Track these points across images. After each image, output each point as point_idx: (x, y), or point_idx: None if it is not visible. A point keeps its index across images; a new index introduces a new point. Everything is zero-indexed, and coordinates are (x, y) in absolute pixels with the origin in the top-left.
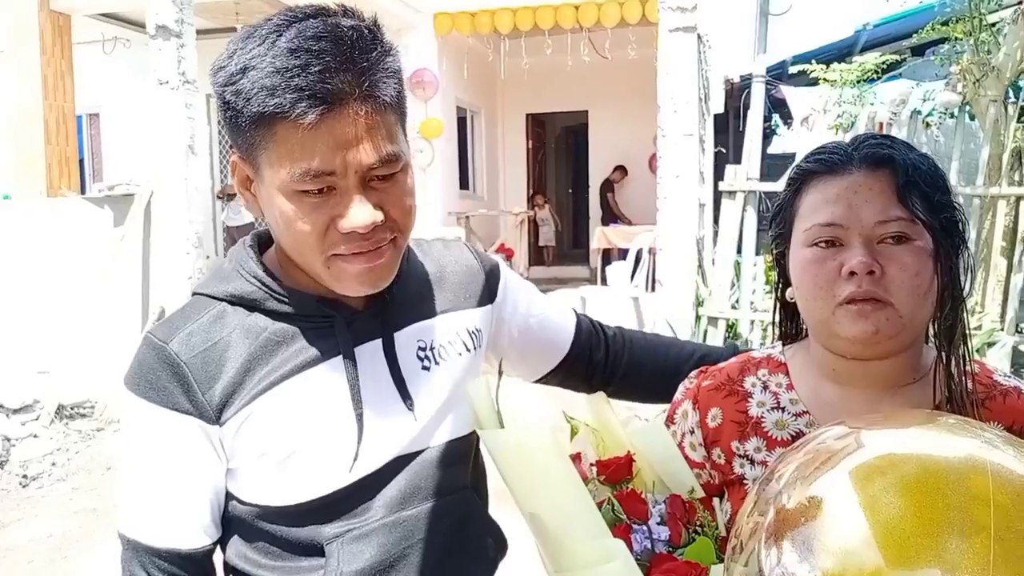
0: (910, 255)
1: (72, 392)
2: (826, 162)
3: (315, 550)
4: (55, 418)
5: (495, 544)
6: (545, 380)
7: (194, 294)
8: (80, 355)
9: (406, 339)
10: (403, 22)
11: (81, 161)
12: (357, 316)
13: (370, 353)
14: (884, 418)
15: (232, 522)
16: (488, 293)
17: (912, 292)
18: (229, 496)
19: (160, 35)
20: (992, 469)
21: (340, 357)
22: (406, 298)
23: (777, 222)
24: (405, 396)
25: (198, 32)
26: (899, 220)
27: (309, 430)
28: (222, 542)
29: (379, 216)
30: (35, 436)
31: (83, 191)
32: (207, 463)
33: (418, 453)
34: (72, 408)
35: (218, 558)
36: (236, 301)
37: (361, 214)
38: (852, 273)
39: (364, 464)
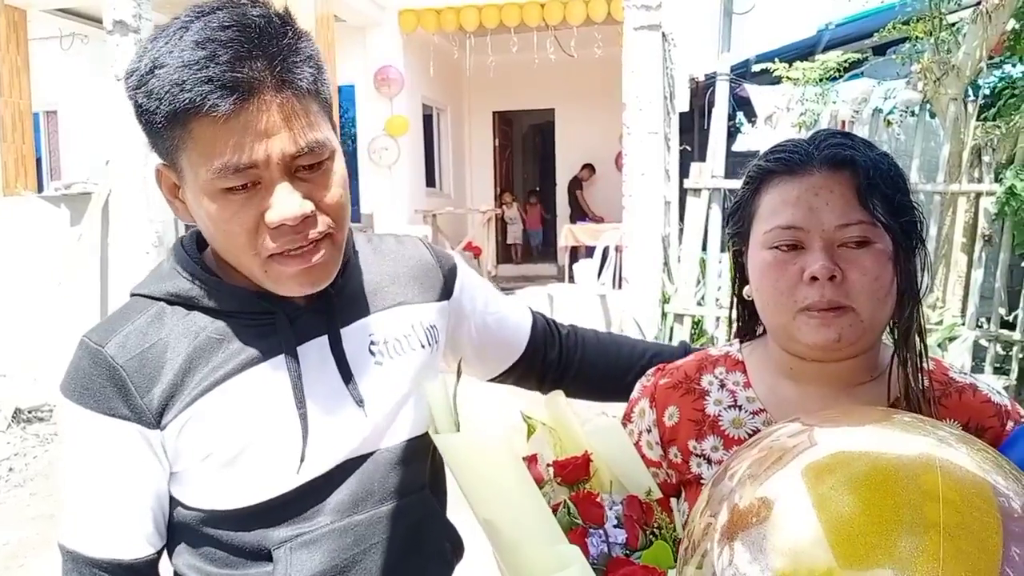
0: (871, 259)
1: (29, 396)
2: (786, 161)
3: (263, 556)
4: (12, 423)
5: (452, 547)
6: (500, 379)
7: (132, 295)
8: (37, 358)
9: (355, 334)
10: (368, 19)
11: (39, 159)
12: (301, 312)
13: (316, 350)
14: (839, 415)
15: (178, 529)
16: (444, 289)
17: (873, 296)
18: (174, 502)
19: (117, 30)
20: (943, 467)
21: (282, 355)
22: (355, 293)
23: (735, 220)
24: (354, 393)
25: (157, 27)
26: (860, 224)
27: (253, 431)
28: (169, 550)
29: (308, 206)
30: None
31: (40, 190)
32: (148, 469)
33: (370, 454)
34: (29, 412)
35: (168, 568)
36: (174, 300)
37: (288, 204)
38: (813, 278)
39: (312, 466)
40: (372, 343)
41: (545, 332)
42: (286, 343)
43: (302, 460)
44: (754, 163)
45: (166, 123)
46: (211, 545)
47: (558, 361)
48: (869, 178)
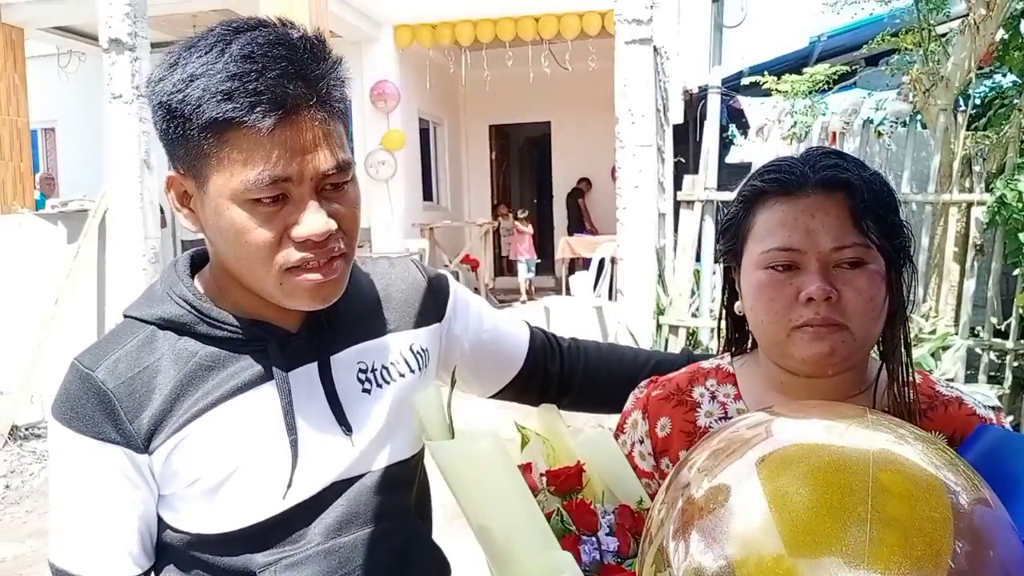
0: (865, 279)
1: (26, 413)
2: (782, 182)
3: None
4: (8, 440)
5: (438, 569)
6: (500, 395)
7: (124, 316)
8: (34, 375)
9: (345, 361)
10: (363, 34)
11: (35, 177)
12: (292, 339)
13: (305, 377)
14: (811, 407)
15: (165, 551)
16: (436, 311)
17: (867, 315)
18: (162, 524)
19: (113, 49)
20: (895, 461)
21: (273, 381)
22: (346, 319)
23: (727, 238)
24: (342, 421)
25: (152, 45)
26: (855, 246)
27: (241, 456)
28: (156, 571)
29: (333, 224)
30: None
31: (39, 207)
32: (135, 492)
33: (357, 478)
34: (26, 429)
35: None
36: (166, 325)
37: (316, 221)
38: (809, 298)
39: (298, 491)
40: (360, 371)
41: (544, 346)
42: (278, 370)
43: (289, 486)
44: (747, 182)
45: (201, 130)
46: (198, 567)
47: (560, 375)
48: (864, 200)
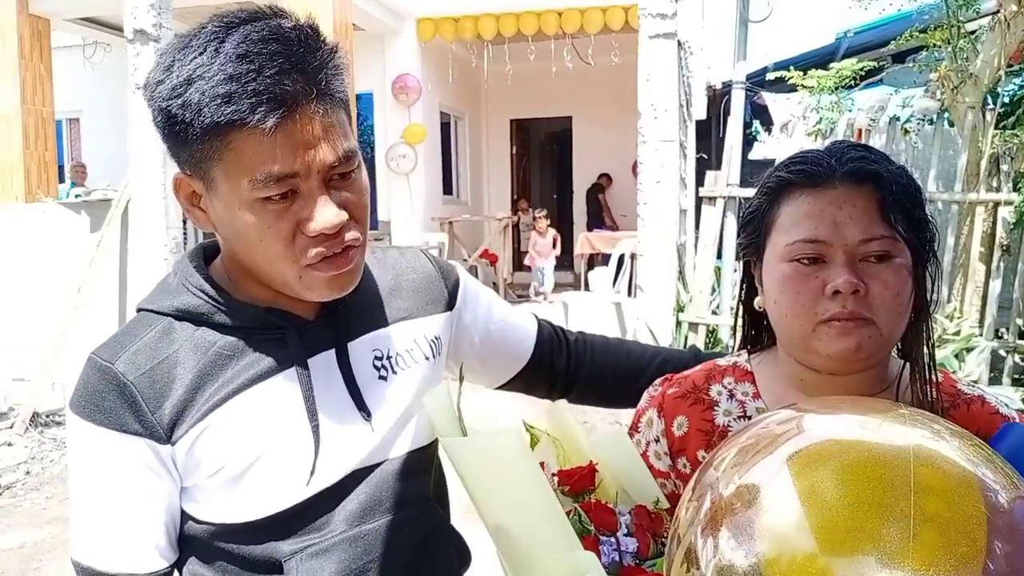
0: (892, 273)
1: (48, 400)
2: (809, 174)
3: (274, 567)
4: (30, 426)
5: (459, 556)
6: (507, 387)
7: (139, 310)
8: (56, 363)
9: (361, 348)
10: (386, 27)
11: (61, 167)
12: (309, 326)
13: (323, 364)
14: (838, 402)
15: (189, 542)
16: (447, 299)
17: (894, 310)
18: (185, 516)
19: (138, 39)
20: (931, 458)
21: (293, 369)
22: (360, 307)
23: (749, 231)
24: (361, 407)
25: (178, 36)
26: (883, 238)
27: (264, 444)
28: (180, 563)
29: (344, 215)
30: (9, 444)
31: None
32: (159, 484)
33: (377, 465)
34: (47, 416)
35: None
36: (183, 316)
37: (327, 214)
38: (836, 292)
39: (322, 478)
40: (376, 357)
41: (552, 339)
42: (297, 357)
43: (312, 472)
44: (772, 174)
45: (202, 134)
46: (222, 558)
47: (566, 368)
48: (892, 193)
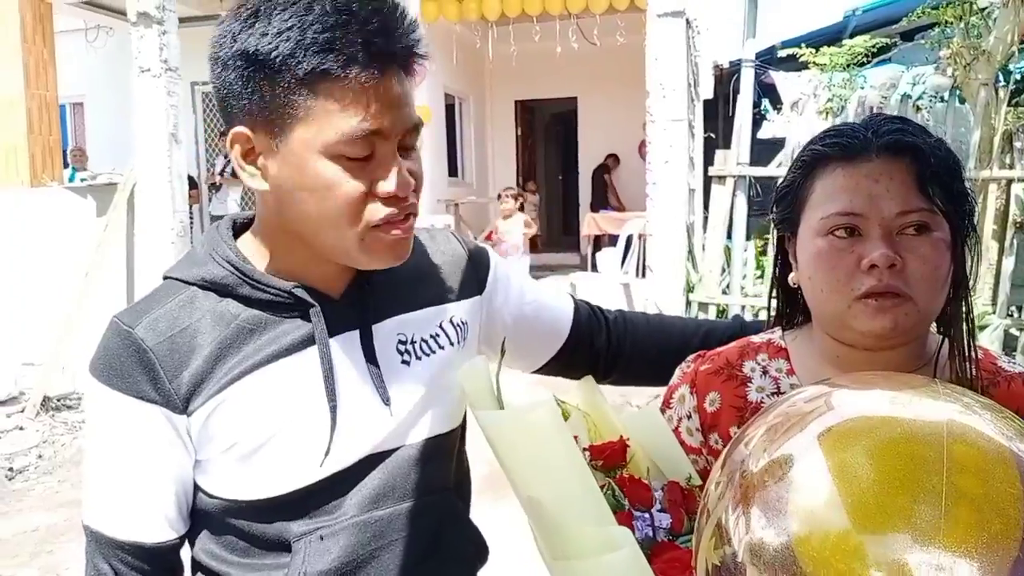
0: (930, 247)
1: (58, 384)
2: (845, 147)
3: (282, 547)
4: (41, 410)
5: (475, 550)
6: (545, 369)
7: (165, 278)
8: (65, 347)
9: (386, 332)
10: None
11: (65, 151)
12: (335, 305)
13: (347, 344)
14: (872, 377)
15: (199, 517)
16: (476, 284)
17: (931, 285)
18: (197, 489)
19: (141, 22)
20: (965, 434)
21: (315, 347)
22: (388, 289)
23: (783, 206)
24: (381, 390)
25: (180, 20)
26: (920, 211)
27: (280, 422)
28: (190, 537)
29: (413, 181)
30: (21, 428)
31: (71, 180)
32: (173, 454)
33: (394, 450)
34: (58, 400)
35: (187, 554)
36: (207, 286)
37: (402, 176)
38: (872, 266)
39: (336, 459)
40: (400, 342)
41: (589, 318)
42: (320, 335)
43: (327, 453)
44: (807, 147)
45: (292, 83)
46: (232, 534)
47: (607, 348)
48: (930, 165)
